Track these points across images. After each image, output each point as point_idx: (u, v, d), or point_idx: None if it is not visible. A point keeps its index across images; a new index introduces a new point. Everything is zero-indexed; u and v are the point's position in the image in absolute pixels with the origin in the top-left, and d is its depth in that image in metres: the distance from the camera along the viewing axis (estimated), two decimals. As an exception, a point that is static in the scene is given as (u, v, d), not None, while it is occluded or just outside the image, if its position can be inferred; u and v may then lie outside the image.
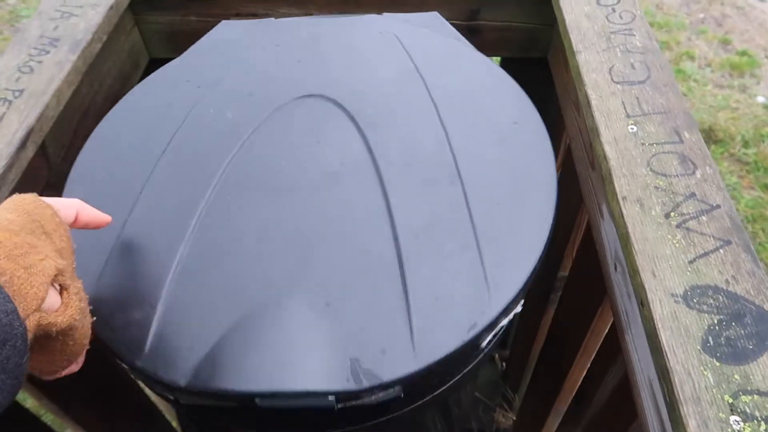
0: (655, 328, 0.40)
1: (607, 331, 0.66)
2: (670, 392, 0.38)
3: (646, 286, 0.43)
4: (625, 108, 0.56)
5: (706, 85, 2.28)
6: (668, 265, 0.44)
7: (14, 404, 0.68)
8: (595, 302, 0.70)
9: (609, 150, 0.53)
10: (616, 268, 0.54)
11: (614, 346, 0.63)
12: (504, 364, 1.36)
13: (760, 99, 2.19)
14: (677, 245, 0.45)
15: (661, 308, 0.41)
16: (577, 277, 0.80)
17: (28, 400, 0.83)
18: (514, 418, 1.24)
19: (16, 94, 0.61)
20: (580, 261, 0.77)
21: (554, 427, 0.93)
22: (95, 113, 0.72)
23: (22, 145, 0.56)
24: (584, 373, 0.77)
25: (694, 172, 0.50)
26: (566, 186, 0.86)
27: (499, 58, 0.93)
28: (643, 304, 0.43)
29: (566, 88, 0.73)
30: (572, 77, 0.68)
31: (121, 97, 0.77)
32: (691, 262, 0.44)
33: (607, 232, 0.57)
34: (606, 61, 0.62)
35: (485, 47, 0.85)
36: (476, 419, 1.31)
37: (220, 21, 0.74)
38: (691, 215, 0.47)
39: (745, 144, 2.02)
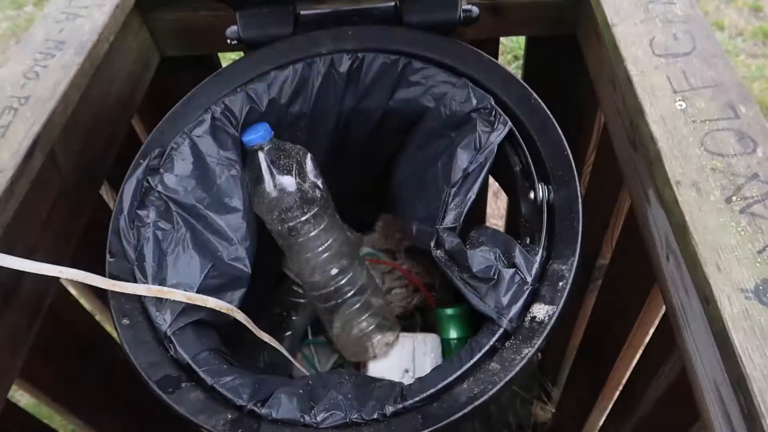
0: (726, 328, 0.36)
1: (656, 324, 0.62)
2: (749, 404, 0.33)
3: (711, 281, 0.38)
4: (670, 83, 0.51)
5: (738, 55, 2.18)
6: (734, 256, 0.39)
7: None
8: (641, 294, 0.65)
9: (656, 130, 0.48)
10: (668, 259, 0.49)
11: (667, 343, 0.58)
12: (540, 354, 1.31)
13: (800, 67, 2.08)
14: (743, 233, 0.40)
15: (730, 306, 0.37)
16: (619, 266, 0.75)
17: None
18: (553, 411, 1.20)
19: (22, 101, 0.58)
20: (622, 249, 0.72)
21: (598, 423, 0.88)
22: (106, 117, 0.69)
23: (29, 154, 0.54)
24: (631, 368, 0.72)
25: (755, 150, 0.45)
26: (603, 168, 0.81)
27: (524, 38, 0.88)
28: (708, 301, 0.38)
29: (600, 65, 0.68)
30: (607, 53, 0.63)
31: (132, 99, 0.74)
32: (760, 252, 0.39)
33: (655, 218, 0.52)
34: (645, 32, 0.57)
35: (510, 27, 0.80)
36: (513, 413, 1.27)
37: (232, 14, 0.70)
38: (756, 198, 0.42)
39: (784, 115, 1.93)
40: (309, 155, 0.67)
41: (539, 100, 0.57)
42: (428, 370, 0.80)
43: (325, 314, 0.77)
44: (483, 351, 0.47)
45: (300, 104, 0.67)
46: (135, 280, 0.54)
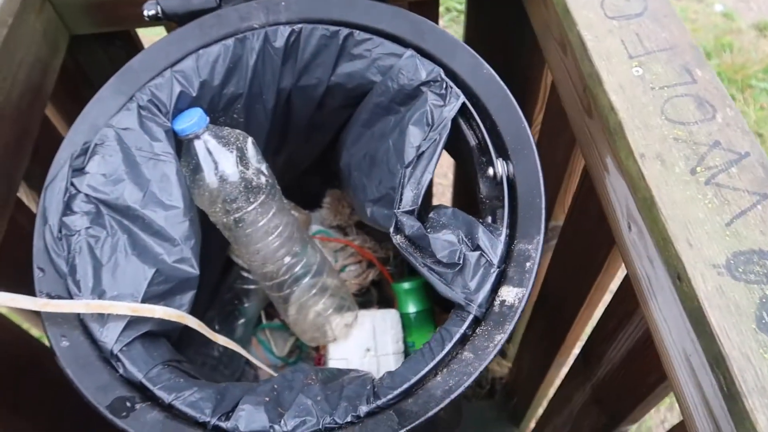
0: (701, 307, 0.35)
1: (616, 288, 0.62)
2: (729, 383, 0.33)
3: (683, 258, 0.37)
4: (625, 47, 0.50)
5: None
6: (704, 230, 0.38)
7: None
8: (598, 257, 0.65)
9: (616, 99, 0.46)
10: (630, 228, 0.49)
11: (628, 305, 0.59)
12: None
13: (718, 7, 2.15)
14: (710, 206, 0.40)
15: (704, 284, 0.36)
16: (573, 228, 0.75)
17: None
18: (509, 366, 1.23)
19: None
20: (576, 211, 0.72)
21: (556, 379, 0.90)
22: (13, 112, 0.62)
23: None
24: (589, 328, 0.73)
25: (714, 117, 0.44)
26: (552, 128, 0.80)
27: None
28: (681, 278, 0.38)
29: (547, 27, 0.66)
30: (555, 15, 0.60)
31: (42, 88, 0.67)
32: (728, 224, 0.39)
33: (614, 187, 0.51)
34: (596, -7, 0.55)
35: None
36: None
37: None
38: (720, 168, 0.41)
39: (708, 56, 1.99)
40: (250, 139, 0.63)
41: (492, 70, 0.55)
42: (390, 347, 0.80)
43: (280, 302, 0.74)
44: (454, 340, 0.46)
45: (235, 84, 0.61)
46: (70, 296, 0.49)
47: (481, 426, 1.26)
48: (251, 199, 0.62)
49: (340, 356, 0.78)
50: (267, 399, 0.46)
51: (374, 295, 0.92)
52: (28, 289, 0.49)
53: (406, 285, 0.82)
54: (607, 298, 0.68)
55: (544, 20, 0.67)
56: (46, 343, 0.71)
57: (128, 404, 0.45)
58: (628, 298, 0.58)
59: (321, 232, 0.91)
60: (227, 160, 0.60)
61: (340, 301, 0.76)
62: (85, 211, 0.52)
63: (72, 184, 0.53)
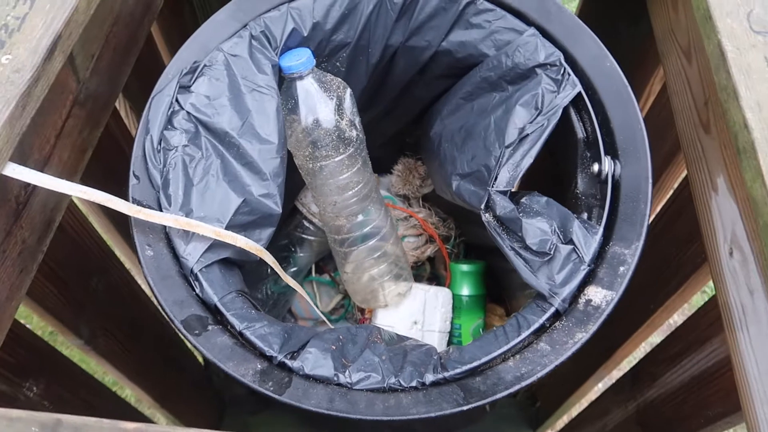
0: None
1: (686, 309, 0.60)
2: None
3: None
4: (768, 65, 0.47)
5: None
6: (831, 269, 0.36)
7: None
8: (677, 279, 0.63)
9: (752, 117, 0.44)
10: (731, 254, 0.47)
11: (702, 332, 0.57)
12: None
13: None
14: (841, 245, 0.37)
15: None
16: (652, 246, 0.72)
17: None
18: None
19: (39, -10, 0.51)
20: (660, 229, 0.70)
21: (592, 392, 0.89)
22: (126, 18, 0.62)
23: (49, 54, 0.47)
24: (645, 347, 0.71)
25: None
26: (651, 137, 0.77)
27: (583, -13, 0.82)
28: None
29: (671, 31, 0.63)
30: (687, 20, 0.58)
31: (152, 3, 0.67)
32: None
33: (721, 209, 0.49)
34: (743, 3, 0.52)
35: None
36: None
37: None
38: None
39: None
40: (349, 90, 0.62)
41: (615, 64, 0.52)
42: (437, 325, 0.80)
43: (340, 256, 0.74)
44: (532, 329, 0.45)
45: (345, 32, 0.60)
46: (159, 208, 0.50)
47: (495, 423, 1.26)
48: (340, 150, 0.61)
49: (387, 323, 0.78)
50: (333, 347, 0.46)
51: (427, 270, 0.92)
52: (112, 193, 0.50)
53: (464, 267, 0.82)
54: (672, 319, 0.66)
55: (668, 24, 0.64)
56: (116, 252, 0.73)
57: (201, 324, 0.45)
58: (704, 324, 0.56)
59: (387, 198, 0.91)
60: (326, 106, 0.59)
61: (398, 270, 0.76)
62: (185, 129, 0.53)
63: (177, 100, 0.53)
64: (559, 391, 1.01)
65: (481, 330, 0.81)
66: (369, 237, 0.70)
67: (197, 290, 0.47)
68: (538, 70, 0.55)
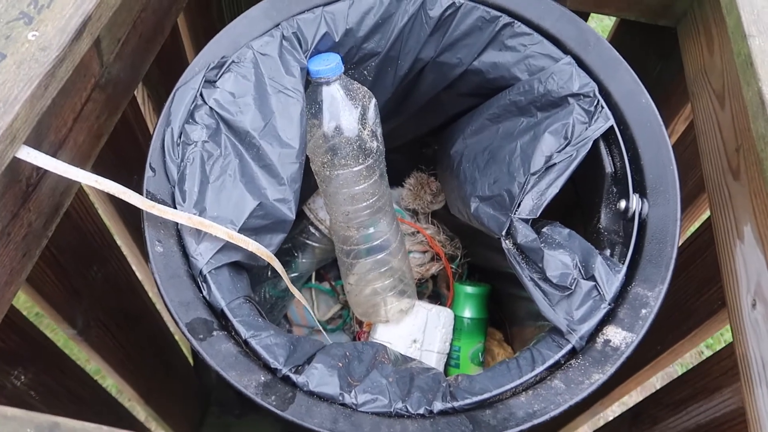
0: None
1: (695, 354, 0.59)
2: None
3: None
4: (809, 119, 0.46)
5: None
6: None
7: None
8: (687, 325, 0.62)
9: (789, 169, 0.43)
10: (754, 306, 0.46)
11: (713, 381, 0.55)
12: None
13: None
14: None
15: None
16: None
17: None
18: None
19: (72, -32, 0.50)
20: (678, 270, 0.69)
21: (586, 424, 0.88)
22: (155, 6, 0.61)
23: (78, 35, 0.46)
24: (644, 389, 0.70)
25: None
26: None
27: (615, 19, 0.81)
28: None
29: (703, 73, 0.62)
30: (722, 63, 0.57)
31: (186, -8, 0.66)
32: None
33: (746, 258, 0.48)
34: (786, 53, 0.51)
35: (608, 4, 0.73)
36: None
37: None
38: None
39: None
40: (374, 101, 0.61)
41: (651, 101, 0.52)
42: (437, 345, 0.78)
43: (345, 266, 0.73)
44: (546, 364, 0.44)
45: (377, 42, 0.59)
46: (173, 203, 0.48)
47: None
48: (359, 160, 0.60)
49: (385, 339, 0.76)
50: (340, 365, 0.45)
51: (428, 288, 0.91)
52: (122, 182, 0.48)
53: (469, 288, 0.80)
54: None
55: (701, 65, 0.63)
56: (118, 241, 0.71)
57: (206, 328, 0.44)
58: (716, 372, 0.55)
59: (396, 211, 0.89)
60: (350, 114, 0.58)
61: (402, 286, 0.75)
62: (206, 124, 0.51)
63: (201, 94, 0.52)
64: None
65: (480, 355, 0.79)
66: (377, 250, 0.69)
67: (204, 292, 0.46)
68: (571, 100, 0.54)
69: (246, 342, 0.44)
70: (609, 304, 0.45)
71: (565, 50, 0.55)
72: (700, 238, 0.63)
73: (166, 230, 0.47)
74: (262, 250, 0.49)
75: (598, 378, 0.42)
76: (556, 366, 0.44)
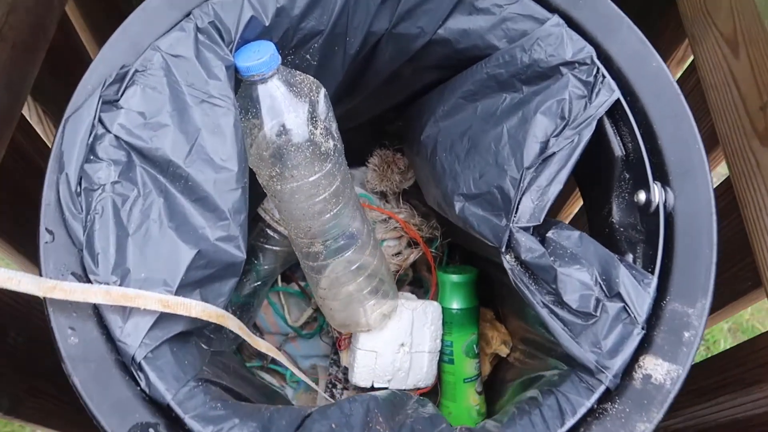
0: None
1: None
2: None
3: None
4: None
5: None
6: None
7: None
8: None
9: None
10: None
11: (745, 370, 0.49)
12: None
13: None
14: None
15: None
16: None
17: None
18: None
19: None
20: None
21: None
22: (27, 4, 0.47)
23: None
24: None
25: None
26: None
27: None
28: None
29: (705, 10, 0.53)
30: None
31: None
32: None
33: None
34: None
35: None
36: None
37: None
38: None
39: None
40: (323, 91, 0.50)
41: (663, 64, 0.42)
42: (427, 344, 0.70)
43: (312, 272, 0.63)
44: (578, 416, 0.36)
45: (317, 18, 0.48)
46: (84, 273, 0.37)
47: None
48: (315, 168, 0.49)
49: (369, 347, 0.68)
50: (327, 449, 0.36)
51: (409, 275, 0.82)
52: (26, 241, 0.37)
53: (455, 277, 0.72)
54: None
55: (701, 3, 0.54)
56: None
57: (150, 435, 0.34)
58: (751, 364, 0.48)
59: (362, 196, 0.79)
60: (296, 115, 0.47)
61: (379, 285, 0.66)
62: (113, 159, 0.40)
63: (100, 120, 0.40)
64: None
65: (474, 347, 0.72)
66: (344, 249, 0.59)
67: (142, 384, 0.36)
68: (564, 70, 0.44)
69: (205, 443, 0.35)
70: (642, 328, 0.37)
71: (551, 8, 0.45)
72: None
73: (80, 312, 0.36)
74: (210, 311, 0.39)
75: (644, 429, 0.34)
76: (591, 414, 0.36)
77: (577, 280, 0.38)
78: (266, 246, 0.75)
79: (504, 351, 0.74)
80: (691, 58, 0.60)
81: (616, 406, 0.36)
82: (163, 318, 0.37)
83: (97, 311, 0.37)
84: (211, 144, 0.42)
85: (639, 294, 0.38)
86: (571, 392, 0.37)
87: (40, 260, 0.36)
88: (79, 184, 0.38)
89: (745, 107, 0.46)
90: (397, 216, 0.77)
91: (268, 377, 0.81)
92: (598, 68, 0.43)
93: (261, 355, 0.80)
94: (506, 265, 0.41)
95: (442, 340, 0.72)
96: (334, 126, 0.51)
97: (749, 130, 0.45)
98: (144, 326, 0.36)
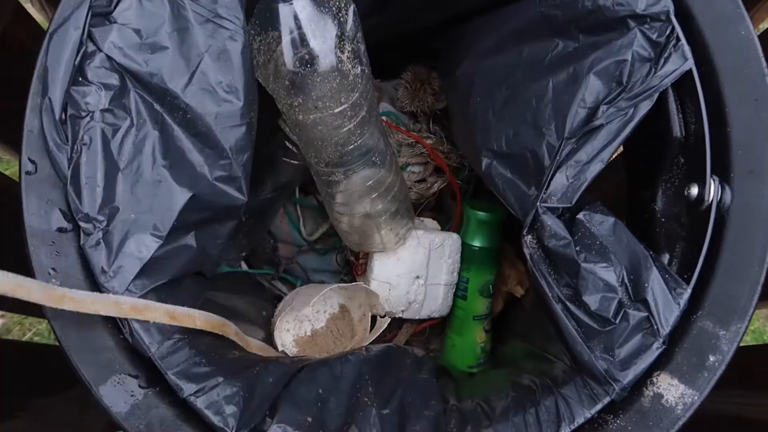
0: None
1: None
2: None
3: None
4: None
5: None
6: None
7: None
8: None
9: None
10: None
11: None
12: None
13: None
14: None
15: None
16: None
17: None
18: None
19: None
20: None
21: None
22: None
23: None
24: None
25: None
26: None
27: None
28: None
29: None
30: None
31: None
32: None
33: None
34: None
35: None
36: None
37: None
38: None
39: None
40: (352, 7, 0.43)
41: (754, 34, 0.35)
42: (443, 277, 0.68)
43: (327, 188, 0.60)
44: (576, 424, 0.34)
45: None
46: (69, 209, 0.35)
47: None
48: (342, 99, 0.44)
49: (384, 278, 0.66)
50: (309, 419, 0.35)
51: (431, 202, 0.78)
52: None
53: (481, 214, 0.68)
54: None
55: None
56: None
57: (129, 388, 0.33)
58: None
59: (389, 115, 0.74)
60: (323, 41, 0.41)
61: (397, 205, 0.62)
62: (104, 83, 0.36)
63: (90, 36, 0.35)
64: None
65: (490, 287, 0.70)
66: (362, 167, 0.55)
67: (125, 333, 0.34)
68: (632, 23, 0.37)
69: (184, 401, 0.34)
70: (663, 343, 0.34)
71: (630, -56, 0.37)
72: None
73: (62, 251, 0.34)
74: (213, 321, 0.37)
75: (646, 450, 0.32)
76: (588, 423, 0.34)
77: (600, 280, 0.34)
78: (284, 159, 0.72)
79: (519, 291, 0.72)
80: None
81: (618, 421, 0.33)
82: (150, 264, 0.35)
83: (81, 252, 0.34)
84: (214, 72, 0.38)
85: (668, 304, 0.34)
86: (572, 397, 0.34)
87: (22, 197, 0.34)
88: (65, 110, 0.35)
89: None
90: (424, 141, 0.72)
91: (279, 286, 0.81)
92: (673, 28, 0.36)
93: (274, 264, 0.80)
94: (525, 250, 0.37)
95: (459, 275, 0.69)
96: (362, 48, 0.45)
97: None
98: (129, 274, 0.34)
